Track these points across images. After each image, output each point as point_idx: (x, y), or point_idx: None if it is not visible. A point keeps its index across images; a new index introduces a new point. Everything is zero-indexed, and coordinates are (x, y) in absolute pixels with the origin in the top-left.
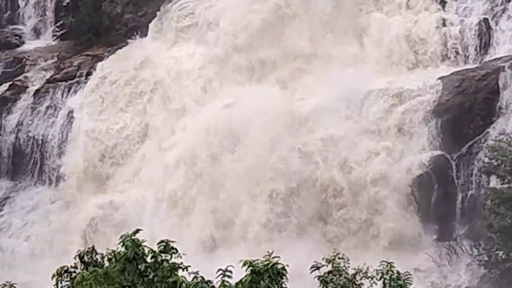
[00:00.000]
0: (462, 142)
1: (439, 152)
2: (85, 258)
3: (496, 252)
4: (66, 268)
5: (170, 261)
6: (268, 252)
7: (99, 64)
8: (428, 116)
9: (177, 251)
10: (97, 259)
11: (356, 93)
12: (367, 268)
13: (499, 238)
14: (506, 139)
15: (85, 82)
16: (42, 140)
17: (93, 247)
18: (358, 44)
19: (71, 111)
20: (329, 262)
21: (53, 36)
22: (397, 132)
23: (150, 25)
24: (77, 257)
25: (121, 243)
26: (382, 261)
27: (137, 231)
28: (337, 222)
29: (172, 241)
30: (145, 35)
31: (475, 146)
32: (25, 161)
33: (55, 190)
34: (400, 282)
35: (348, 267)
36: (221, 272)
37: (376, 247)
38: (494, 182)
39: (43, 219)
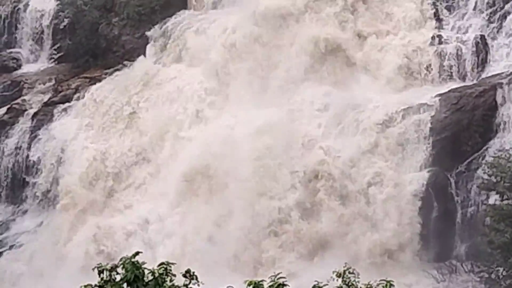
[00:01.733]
0: (461, 159)
1: (438, 170)
2: (104, 276)
3: (497, 269)
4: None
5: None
6: (274, 273)
7: (96, 86)
8: (427, 134)
9: (196, 278)
10: (115, 278)
11: (354, 111)
12: (377, 285)
13: (500, 254)
14: (505, 156)
15: (83, 105)
16: (41, 162)
17: (115, 266)
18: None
19: (69, 133)
20: (339, 276)
21: (51, 59)
22: (395, 150)
23: (148, 46)
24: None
25: (121, 266)
26: (382, 280)
27: (137, 253)
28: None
29: (172, 263)
30: (143, 55)
31: (474, 163)
32: (24, 185)
33: (54, 213)
34: None
35: (359, 281)
36: None
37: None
38: (493, 198)
39: (42, 242)
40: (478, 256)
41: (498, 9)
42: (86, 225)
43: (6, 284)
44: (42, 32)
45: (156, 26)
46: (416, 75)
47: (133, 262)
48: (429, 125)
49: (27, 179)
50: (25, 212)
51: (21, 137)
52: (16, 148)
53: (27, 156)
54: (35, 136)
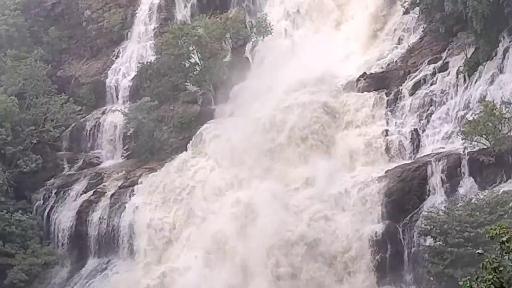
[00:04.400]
0: (405, 214)
1: (390, 222)
2: None
3: None
4: None
5: None
6: None
7: (152, 173)
8: (381, 197)
9: None
10: None
11: (333, 183)
12: None
13: (435, 280)
14: (435, 211)
15: (145, 187)
16: (117, 228)
17: None
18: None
19: (136, 207)
20: None
21: (122, 156)
22: (361, 208)
23: (188, 145)
24: None
25: None
26: None
27: None
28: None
29: None
30: (185, 151)
31: (415, 216)
32: (107, 245)
33: (129, 263)
34: None
35: None
36: None
37: None
38: (429, 241)
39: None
40: (420, 282)
41: (426, 110)
42: (151, 270)
43: None
44: (115, 138)
45: (193, 131)
46: (373, 157)
47: None
48: (383, 191)
49: (109, 241)
50: (108, 263)
51: (103, 211)
52: (99, 219)
53: (107, 225)
54: (113, 211)
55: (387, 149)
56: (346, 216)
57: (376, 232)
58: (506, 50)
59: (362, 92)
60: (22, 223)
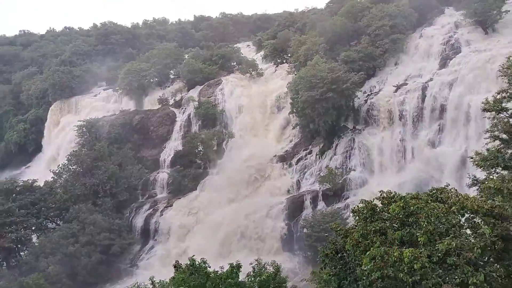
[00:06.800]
0: (294, 218)
1: (288, 222)
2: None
3: (308, 253)
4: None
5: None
6: None
7: (179, 201)
8: (284, 210)
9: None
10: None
11: (265, 203)
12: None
13: (308, 248)
14: (307, 217)
15: (176, 207)
16: (162, 226)
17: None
18: (262, 189)
19: (171, 215)
20: None
21: (166, 193)
22: (276, 215)
23: (198, 187)
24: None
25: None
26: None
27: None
28: None
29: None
30: (195, 190)
31: (298, 219)
32: (158, 234)
33: (167, 242)
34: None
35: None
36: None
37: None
38: (305, 230)
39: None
40: (302, 249)
41: (303, 171)
42: (178, 246)
43: None
44: (163, 184)
45: (200, 181)
46: (281, 193)
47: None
48: (285, 207)
49: (158, 232)
50: (158, 242)
51: (157, 218)
52: (155, 222)
53: (158, 224)
54: (161, 218)
55: (287, 189)
56: (270, 218)
57: (282, 226)
58: (337, 145)
59: (276, 163)
60: (119, 224)
